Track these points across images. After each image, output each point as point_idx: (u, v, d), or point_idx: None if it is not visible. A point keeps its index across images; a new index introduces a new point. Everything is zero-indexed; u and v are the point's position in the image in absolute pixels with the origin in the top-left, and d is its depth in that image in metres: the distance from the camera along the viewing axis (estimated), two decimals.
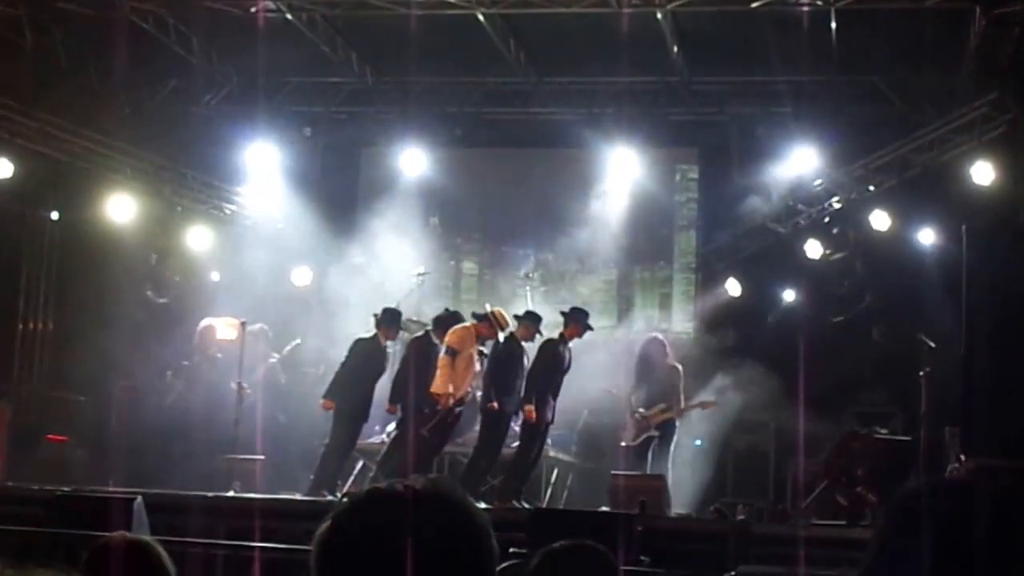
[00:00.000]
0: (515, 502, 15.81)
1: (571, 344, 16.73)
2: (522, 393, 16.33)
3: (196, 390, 18.46)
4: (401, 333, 17.66)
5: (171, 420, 18.13)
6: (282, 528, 12.93)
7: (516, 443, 16.96)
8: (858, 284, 19.78)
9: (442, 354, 16.45)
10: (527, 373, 16.43)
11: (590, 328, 16.86)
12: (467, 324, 16.88)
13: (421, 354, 16.71)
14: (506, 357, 16.52)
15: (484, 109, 21.91)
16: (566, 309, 17.12)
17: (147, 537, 5.67)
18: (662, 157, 21.68)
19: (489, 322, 16.75)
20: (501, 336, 16.75)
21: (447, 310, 17.66)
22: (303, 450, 18.50)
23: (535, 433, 16.49)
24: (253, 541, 12.68)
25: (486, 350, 16.90)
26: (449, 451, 17.83)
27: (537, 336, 16.63)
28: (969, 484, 2.63)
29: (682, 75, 20.64)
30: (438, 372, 16.36)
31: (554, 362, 16.53)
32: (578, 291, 20.99)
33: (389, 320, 17.06)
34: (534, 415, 16.22)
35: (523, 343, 16.60)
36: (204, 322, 19.12)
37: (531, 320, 16.73)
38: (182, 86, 20.93)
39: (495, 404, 16.24)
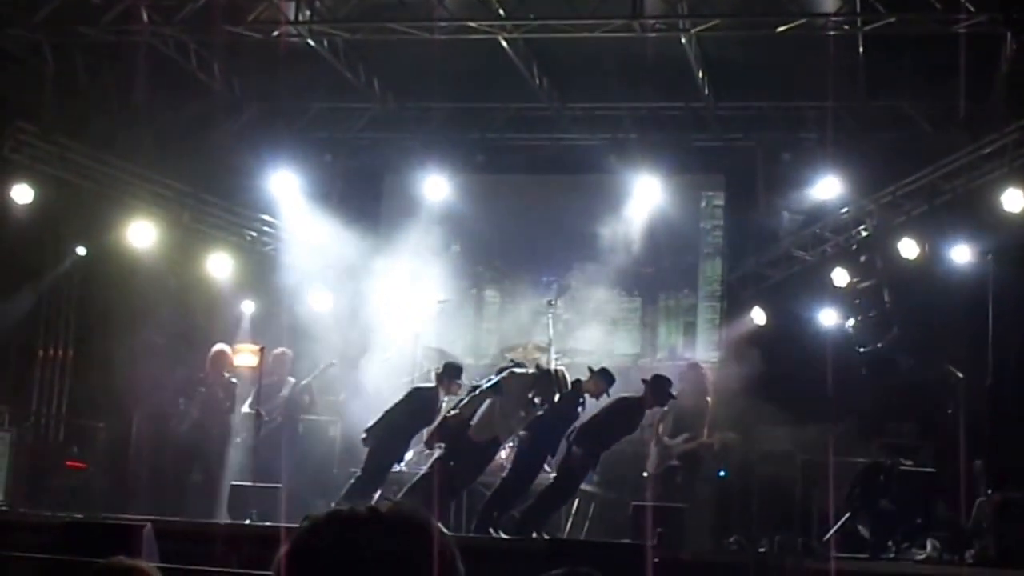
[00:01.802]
0: (534, 533, 15.55)
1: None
2: (562, 439, 16.04)
3: (212, 416, 18.28)
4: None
5: (189, 447, 17.99)
6: None
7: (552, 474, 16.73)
8: (886, 313, 19.50)
9: (486, 386, 16.18)
10: (594, 419, 16.14)
11: (672, 396, 16.57)
12: (526, 372, 16.50)
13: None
14: (567, 409, 16.17)
15: (507, 135, 21.79)
16: (648, 377, 16.63)
17: (144, 563, 5.47)
18: (687, 183, 21.51)
19: (549, 379, 16.38)
20: (557, 397, 16.25)
21: (512, 361, 17.37)
22: (321, 478, 18.31)
23: (574, 476, 16.22)
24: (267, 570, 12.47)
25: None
26: None
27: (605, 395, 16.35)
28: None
29: (707, 101, 20.46)
30: (467, 400, 16.13)
31: (627, 425, 16.29)
32: (601, 319, 20.73)
33: (451, 374, 16.73)
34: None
35: (587, 396, 16.33)
36: (216, 347, 18.96)
37: (604, 378, 16.33)
38: (203, 111, 20.81)
39: (530, 434, 16.02)
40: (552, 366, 17.19)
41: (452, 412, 16.04)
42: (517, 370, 16.45)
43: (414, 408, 16.54)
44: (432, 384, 16.78)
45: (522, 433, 16.22)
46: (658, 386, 16.35)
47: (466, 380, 16.85)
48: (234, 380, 18.71)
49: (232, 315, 20.56)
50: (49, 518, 14.42)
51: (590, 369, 16.50)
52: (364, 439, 16.56)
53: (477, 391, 16.14)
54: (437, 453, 16.15)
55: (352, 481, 16.56)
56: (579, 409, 16.10)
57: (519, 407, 16.07)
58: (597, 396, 16.23)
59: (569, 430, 15.94)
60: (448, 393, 16.62)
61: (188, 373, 18.97)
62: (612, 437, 16.28)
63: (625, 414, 16.17)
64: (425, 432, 16.49)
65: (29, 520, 14.79)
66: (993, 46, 17.35)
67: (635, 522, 15.50)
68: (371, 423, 16.55)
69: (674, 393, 16.61)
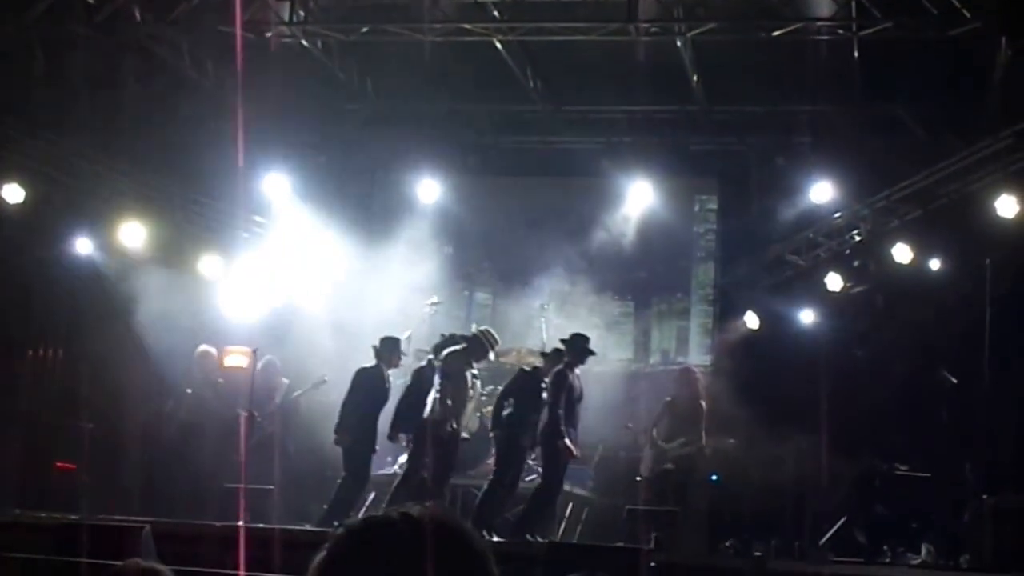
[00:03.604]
0: (529, 536, 15.51)
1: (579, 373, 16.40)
2: (539, 427, 16.00)
3: (201, 418, 18.22)
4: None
5: (179, 448, 17.92)
6: (291, 558, 12.66)
7: (532, 477, 16.73)
8: (879, 318, 19.47)
9: (437, 383, 16.19)
10: (548, 407, 16.08)
11: (591, 352, 16.50)
12: (457, 348, 16.59)
13: (426, 382, 16.48)
14: (532, 395, 16.16)
15: (500, 137, 21.77)
16: (566, 337, 16.74)
17: (159, 565, 5.46)
18: (681, 187, 21.47)
19: (478, 343, 16.50)
20: (492, 356, 16.67)
21: (443, 336, 17.46)
22: (314, 480, 18.26)
23: (556, 467, 16.18)
24: (262, 571, 12.43)
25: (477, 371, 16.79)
26: (461, 483, 17.59)
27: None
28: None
29: (701, 104, 20.43)
30: (433, 405, 16.13)
31: (560, 387, 16.11)
32: (594, 323, 20.68)
33: (389, 348, 16.92)
34: (574, 453, 16.00)
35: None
36: (200, 348, 18.90)
37: (557, 357, 16.41)
38: (195, 110, 20.69)
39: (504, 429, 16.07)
40: (474, 328, 17.26)
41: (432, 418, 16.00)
42: (449, 349, 16.60)
43: (364, 389, 16.69)
44: (374, 363, 16.82)
45: (496, 433, 16.27)
46: (574, 342, 16.33)
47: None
48: (221, 380, 18.64)
49: (223, 316, 20.41)
50: (45, 519, 14.35)
51: (542, 353, 16.63)
52: (336, 440, 16.66)
53: (436, 394, 16.10)
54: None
55: (339, 482, 16.60)
56: (543, 394, 16.05)
57: (465, 382, 16.33)
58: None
59: (537, 430, 15.93)
60: (391, 367, 16.86)
61: (177, 374, 18.91)
62: (571, 410, 16.12)
63: (563, 382, 16.07)
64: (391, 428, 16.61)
65: (24, 521, 14.71)
66: (988, 51, 17.33)
67: (629, 526, 15.50)
68: (336, 423, 16.62)
69: (593, 349, 16.53)
